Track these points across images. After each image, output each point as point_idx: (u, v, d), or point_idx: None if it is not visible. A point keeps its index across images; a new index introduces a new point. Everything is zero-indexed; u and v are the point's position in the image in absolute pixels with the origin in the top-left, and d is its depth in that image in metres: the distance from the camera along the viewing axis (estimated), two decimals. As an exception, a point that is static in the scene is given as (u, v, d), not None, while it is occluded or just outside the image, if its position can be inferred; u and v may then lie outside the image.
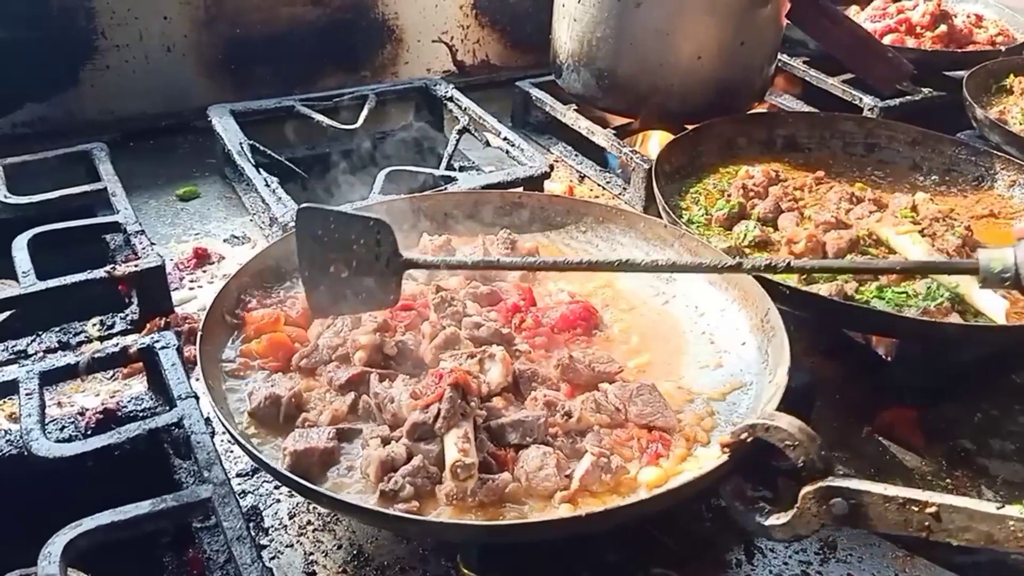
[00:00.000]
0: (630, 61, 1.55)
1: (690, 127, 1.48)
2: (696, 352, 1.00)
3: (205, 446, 0.90)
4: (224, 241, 1.42)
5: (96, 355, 1.02)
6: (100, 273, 1.18)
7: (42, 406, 0.94)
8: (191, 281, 1.32)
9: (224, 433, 0.99)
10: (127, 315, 1.21)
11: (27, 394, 0.95)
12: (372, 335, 0.94)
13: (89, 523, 0.80)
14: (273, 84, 1.76)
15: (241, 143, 1.48)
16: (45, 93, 1.62)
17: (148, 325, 1.18)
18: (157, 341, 1.04)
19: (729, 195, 1.29)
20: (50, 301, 1.15)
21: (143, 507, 0.83)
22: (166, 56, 1.70)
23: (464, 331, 0.98)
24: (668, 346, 1.01)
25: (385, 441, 0.84)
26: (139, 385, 1.10)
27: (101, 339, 1.18)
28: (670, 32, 1.52)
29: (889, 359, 1.10)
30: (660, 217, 1.21)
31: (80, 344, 1.17)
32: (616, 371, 0.94)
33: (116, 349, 1.03)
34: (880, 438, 1.06)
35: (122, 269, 1.18)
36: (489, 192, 1.27)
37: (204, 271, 1.35)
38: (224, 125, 1.53)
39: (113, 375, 1.12)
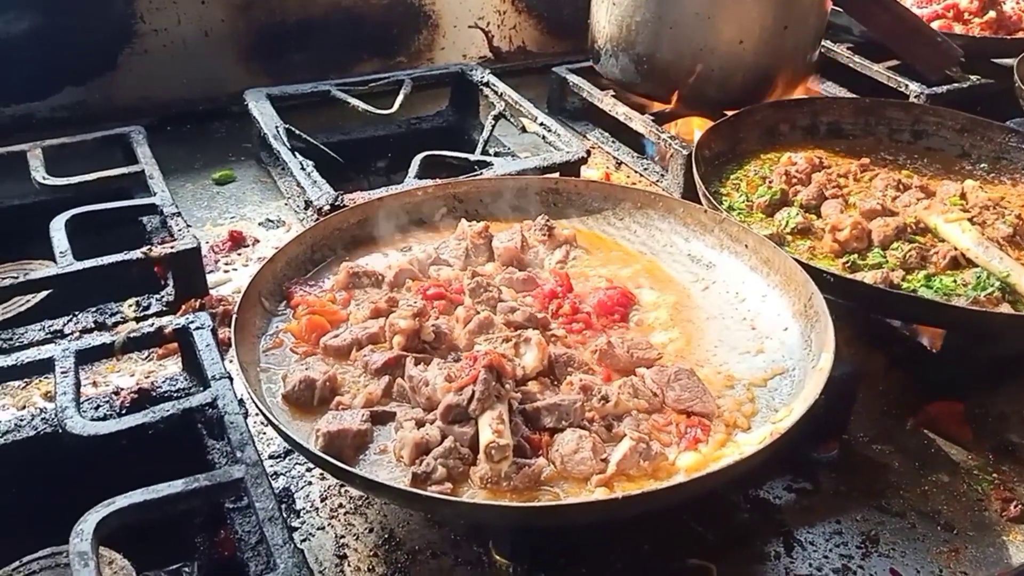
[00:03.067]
0: (670, 46, 1.52)
1: (730, 113, 1.45)
2: (736, 338, 0.98)
3: (238, 427, 0.90)
4: (259, 224, 1.42)
5: (131, 335, 1.03)
6: (136, 254, 1.18)
7: (77, 385, 0.95)
8: (226, 264, 1.32)
9: (257, 414, 0.99)
10: (162, 296, 1.22)
11: (63, 372, 0.95)
12: (411, 320, 0.93)
13: (122, 501, 0.80)
14: (309, 69, 1.76)
15: (277, 127, 1.47)
16: (84, 77, 1.63)
17: (183, 307, 1.18)
18: (192, 322, 1.04)
19: (771, 182, 1.26)
20: (87, 281, 1.16)
21: (176, 486, 0.83)
22: (203, 41, 1.70)
23: (499, 316, 0.97)
24: (708, 332, 0.99)
25: (419, 424, 0.83)
26: (174, 366, 1.10)
27: (137, 320, 1.18)
28: (711, 16, 1.49)
29: (935, 350, 1.07)
30: (699, 203, 1.19)
31: (116, 324, 1.17)
32: (655, 357, 0.92)
33: (151, 329, 1.04)
34: (925, 431, 1.03)
35: (158, 250, 1.18)
36: (526, 178, 1.25)
37: (239, 254, 1.35)
38: (260, 109, 1.52)
39: (148, 355, 1.12)
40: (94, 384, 1.07)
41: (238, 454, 0.86)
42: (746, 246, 1.07)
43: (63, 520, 0.91)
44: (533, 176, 1.28)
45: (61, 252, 1.16)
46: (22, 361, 0.98)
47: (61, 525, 0.90)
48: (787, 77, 1.56)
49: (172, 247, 1.19)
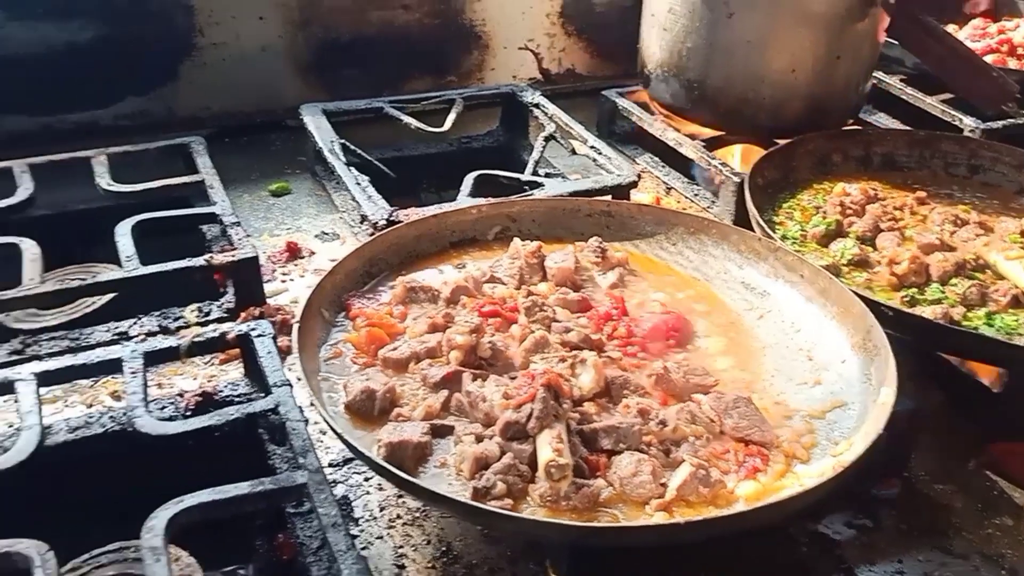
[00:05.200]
0: (721, 72, 1.54)
1: (781, 141, 1.46)
2: (793, 368, 0.98)
3: (300, 433, 0.92)
4: (315, 237, 1.45)
5: (196, 339, 1.05)
6: (199, 261, 1.21)
7: (145, 385, 0.97)
8: (283, 274, 1.35)
9: (317, 422, 1.00)
10: (222, 303, 1.24)
11: (132, 373, 0.98)
12: (468, 336, 0.95)
13: (190, 500, 0.82)
14: (361, 86, 1.79)
15: (332, 142, 1.51)
16: (146, 87, 1.67)
17: (242, 314, 1.20)
18: (253, 329, 1.06)
19: (824, 212, 1.27)
20: (150, 286, 1.19)
21: (242, 488, 0.85)
22: (261, 55, 1.74)
23: (554, 335, 0.99)
24: (763, 361, 1.00)
25: (478, 439, 0.84)
26: (234, 371, 1.13)
27: (198, 325, 1.21)
28: (763, 44, 1.50)
29: (996, 390, 1.06)
30: (752, 231, 1.20)
31: (178, 329, 1.20)
32: (711, 383, 0.93)
33: (215, 335, 1.06)
34: (988, 472, 1.02)
35: (219, 259, 1.21)
36: (579, 199, 1.27)
37: (296, 265, 1.37)
38: (316, 124, 1.56)
39: (209, 360, 1.15)
40: (159, 386, 1.10)
41: (300, 460, 0.88)
42: (802, 276, 1.08)
43: (128, 516, 0.93)
44: (586, 198, 1.29)
45: (127, 256, 1.19)
46: (93, 360, 1.00)
47: (126, 521, 0.93)
48: (839, 107, 1.57)
49: (233, 256, 1.22)
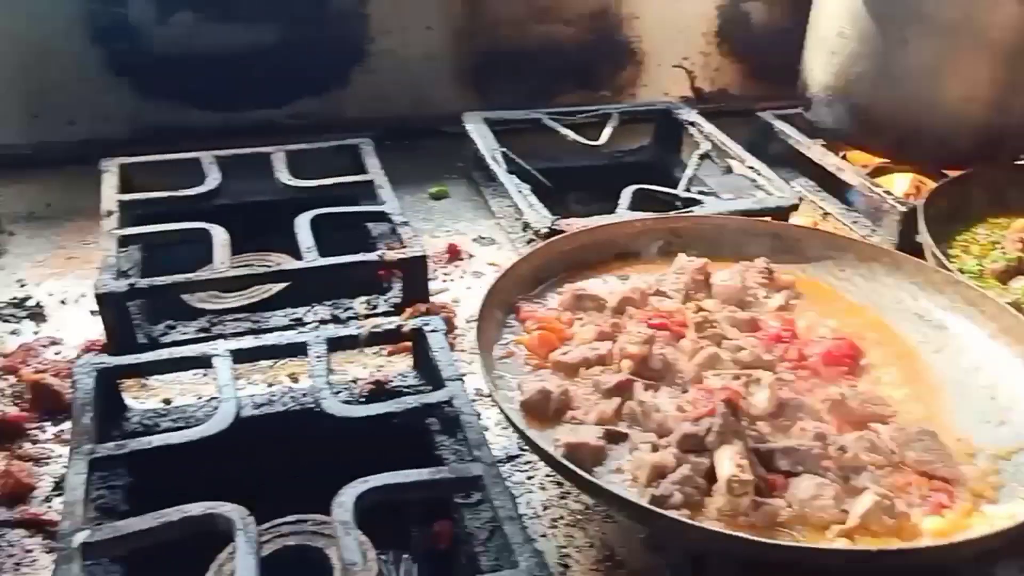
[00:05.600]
0: (891, 99, 1.50)
1: (953, 172, 1.42)
2: (974, 406, 0.95)
3: (474, 427, 0.95)
4: (473, 240, 1.50)
5: (374, 330, 1.10)
6: (373, 257, 1.27)
7: (329, 370, 1.03)
8: (444, 275, 1.40)
9: (488, 418, 1.04)
10: (388, 298, 1.30)
11: (317, 357, 1.04)
12: (641, 346, 0.96)
13: (375, 480, 0.86)
14: (514, 96, 1.84)
15: (494, 150, 1.55)
16: (320, 90, 1.76)
17: (409, 310, 1.25)
18: (426, 324, 1.11)
19: (1003, 248, 1.23)
20: (324, 277, 1.26)
21: (423, 474, 0.89)
22: (424, 63, 1.81)
23: (725, 353, 0.99)
24: (941, 396, 0.97)
25: (654, 448, 0.86)
26: (401, 363, 1.18)
27: (366, 316, 1.27)
28: (938, 72, 1.46)
29: None
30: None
31: (348, 319, 1.26)
32: (889, 414, 0.92)
33: (392, 327, 1.11)
34: None
35: (391, 255, 1.27)
36: (748, 219, 1.27)
37: (456, 266, 1.42)
38: (479, 132, 1.61)
39: (378, 351, 1.20)
40: (330, 371, 1.15)
41: (476, 453, 0.92)
42: (983, 312, 1.04)
43: (303, 491, 0.99)
44: (754, 218, 1.29)
45: (307, 248, 1.26)
46: (281, 343, 1.07)
47: (301, 495, 0.99)
48: (1015, 139, 1.51)
49: (403, 253, 1.27)
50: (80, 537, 0.79)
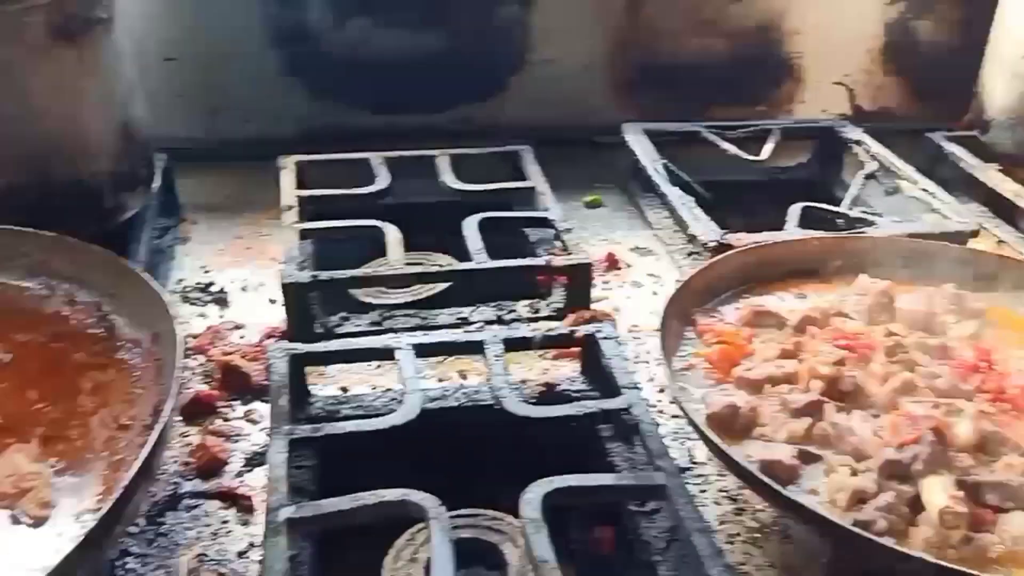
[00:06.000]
0: (1082, 125, 1.43)
1: None
2: None
3: (654, 436, 0.95)
4: (630, 250, 1.50)
5: (548, 333, 1.12)
6: (540, 261, 1.29)
7: (506, 368, 1.05)
8: (603, 283, 1.40)
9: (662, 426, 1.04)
10: (550, 303, 1.31)
11: (495, 356, 1.06)
12: (832, 367, 0.94)
13: (559, 481, 0.87)
14: (668, 108, 1.82)
15: (655, 161, 1.55)
16: (479, 96, 1.80)
17: (572, 315, 1.26)
18: (599, 331, 1.11)
19: None
20: (493, 278, 1.28)
21: (606, 479, 0.89)
22: (583, 73, 1.82)
23: (921, 380, 0.95)
24: None
25: (853, 472, 0.83)
26: (565, 367, 1.19)
27: (529, 320, 1.28)
28: None
29: None
30: None
31: (512, 321, 1.27)
32: (1104, 453, 0.86)
33: (565, 331, 1.12)
34: None
35: (558, 261, 1.28)
36: (933, 242, 1.22)
37: (616, 275, 1.42)
38: (639, 142, 1.61)
39: (543, 354, 1.21)
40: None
41: (658, 462, 0.91)
42: None
43: (475, 486, 1.00)
44: (942, 243, 1.24)
45: (477, 250, 1.29)
46: (459, 340, 1.10)
47: (472, 490, 1.00)
48: None
49: (569, 259, 1.28)
50: (285, 512, 0.82)
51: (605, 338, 1.09)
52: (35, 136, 1.08)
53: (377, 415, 1.04)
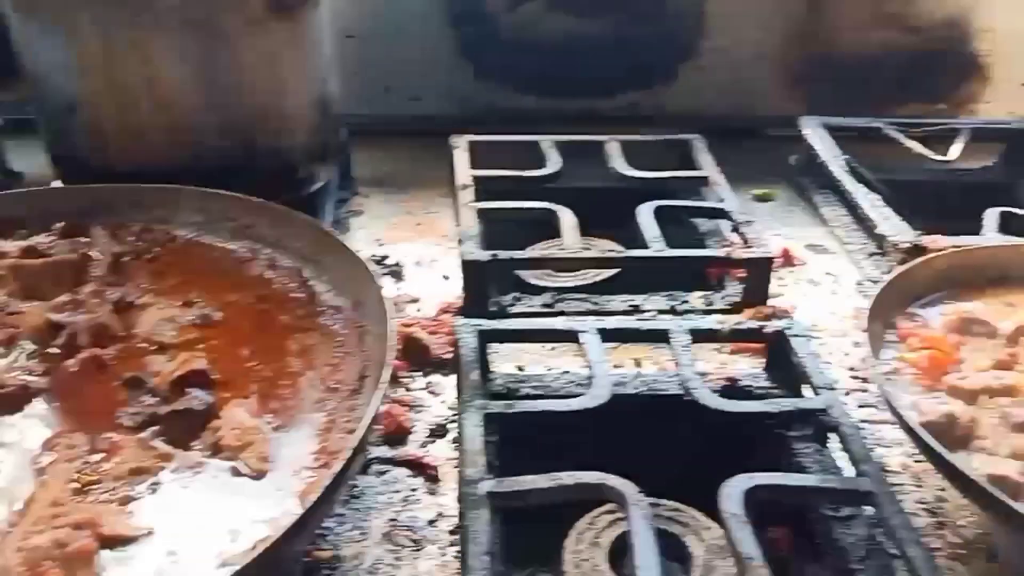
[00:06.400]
0: None
1: None
2: None
3: (856, 439, 0.91)
4: (805, 247, 1.45)
5: (736, 327, 1.09)
6: (719, 253, 1.26)
7: (693, 359, 1.03)
8: (778, 280, 1.35)
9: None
10: (724, 296, 1.28)
11: (683, 347, 1.04)
12: (1062, 379, 0.88)
13: (760, 479, 0.84)
14: (842, 103, 1.74)
15: (836, 157, 1.49)
16: (646, 83, 1.78)
17: (750, 310, 1.22)
18: (789, 327, 1.08)
19: None
20: (670, 267, 1.26)
21: (809, 479, 0.86)
22: (755, 63, 1.77)
23: None
24: None
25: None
26: (741, 362, 1.16)
27: (704, 312, 1.25)
28: None
29: None
30: None
31: (685, 312, 1.25)
32: None
33: (754, 326, 1.09)
34: None
35: (738, 253, 1.25)
36: None
37: (790, 272, 1.38)
38: (818, 137, 1.55)
39: (720, 347, 1.19)
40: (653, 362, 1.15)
41: (862, 467, 0.87)
42: None
43: (650, 476, 0.98)
44: None
45: (654, 237, 1.27)
46: (644, 327, 1.08)
47: (647, 480, 0.98)
48: None
49: (751, 252, 1.25)
50: (486, 486, 0.83)
51: (796, 335, 1.06)
52: (244, 105, 1.13)
53: (557, 396, 1.04)
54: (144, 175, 1.12)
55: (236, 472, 0.80)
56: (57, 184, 1.32)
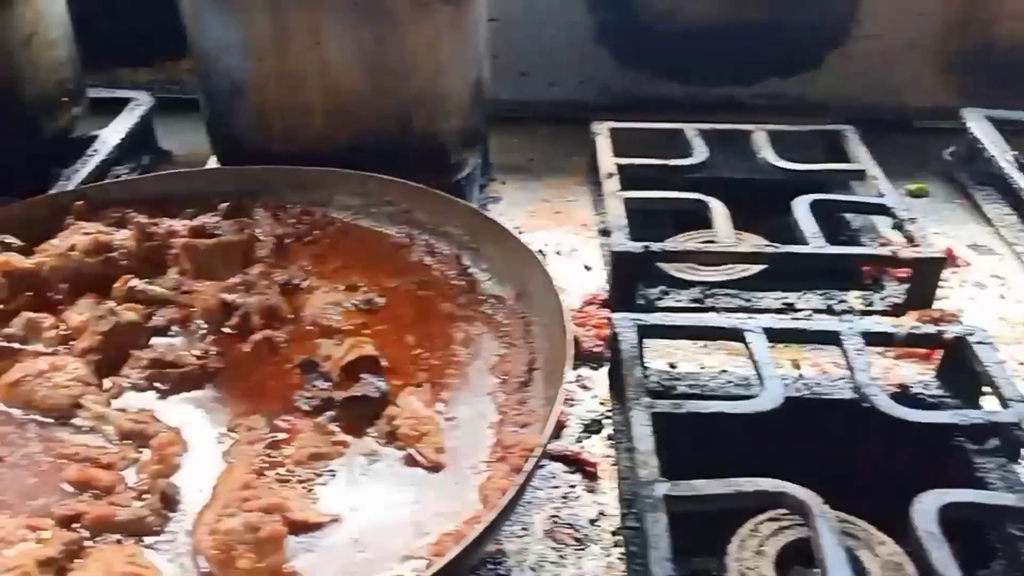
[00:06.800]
0: None
1: None
2: None
3: (1057, 459, 0.85)
4: (967, 247, 1.36)
5: (913, 331, 1.03)
6: (884, 251, 1.19)
7: (868, 363, 0.97)
8: (941, 281, 1.28)
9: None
10: (885, 297, 1.21)
11: (855, 350, 0.98)
12: None
13: (955, 496, 0.79)
14: (1000, 96, 1.64)
15: (1004, 152, 1.40)
16: (788, 71, 1.70)
17: (915, 314, 1.16)
18: (970, 333, 1.01)
19: None
20: (828, 265, 1.21)
21: (1007, 498, 0.81)
22: (908, 52, 1.68)
23: None
24: None
25: None
26: (906, 368, 1.09)
27: (863, 313, 1.19)
28: None
29: None
30: None
31: (843, 312, 1.19)
32: None
33: (932, 331, 1.03)
34: None
35: (905, 252, 1.18)
36: None
37: (954, 272, 1.30)
38: (983, 130, 1.46)
39: (883, 351, 1.12)
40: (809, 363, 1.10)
41: (1064, 489, 0.81)
42: None
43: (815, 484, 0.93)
44: None
45: (812, 233, 1.21)
46: (812, 328, 1.04)
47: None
48: None
49: (919, 253, 1.18)
50: (662, 489, 0.80)
51: (980, 342, 0.99)
52: (406, 89, 1.12)
53: (716, 396, 1.01)
54: (302, 158, 1.13)
55: (411, 462, 0.79)
56: (212, 164, 1.35)
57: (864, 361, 0.96)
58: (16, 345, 0.90)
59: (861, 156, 1.42)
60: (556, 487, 0.94)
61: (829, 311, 1.19)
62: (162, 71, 1.72)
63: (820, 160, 1.49)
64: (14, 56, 1.17)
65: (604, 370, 1.09)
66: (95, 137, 1.38)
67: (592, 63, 1.70)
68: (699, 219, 1.38)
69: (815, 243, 1.19)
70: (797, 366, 1.12)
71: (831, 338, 1.01)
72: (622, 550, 0.86)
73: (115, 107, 1.53)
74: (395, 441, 0.80)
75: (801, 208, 1.26)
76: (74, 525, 0.71)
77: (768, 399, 0.91)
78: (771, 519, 0.94)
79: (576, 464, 0.97)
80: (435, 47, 1.10)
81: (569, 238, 1.39)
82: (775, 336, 1.02)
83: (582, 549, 0.87)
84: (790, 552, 0.89)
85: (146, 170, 1.47)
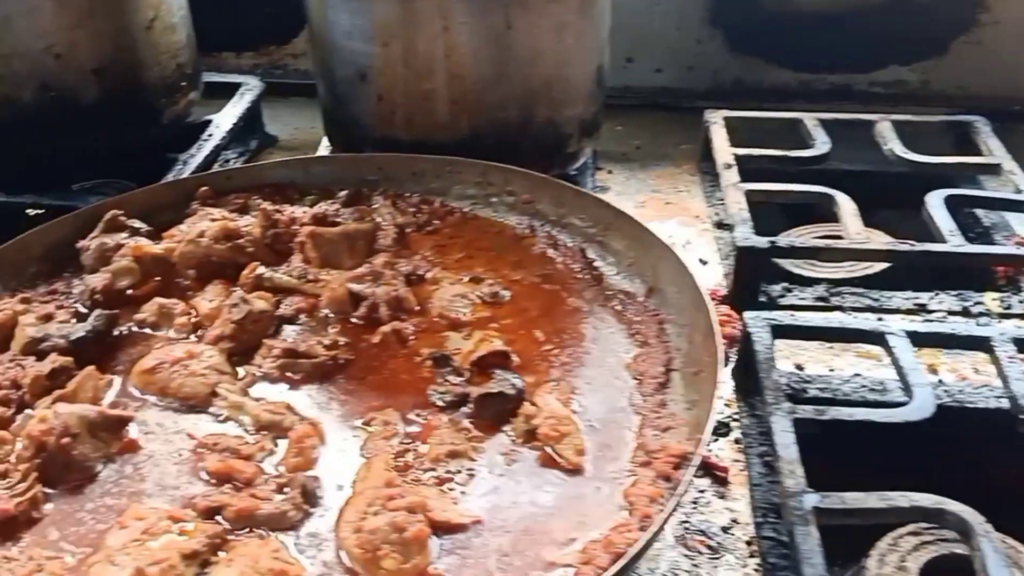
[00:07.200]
0: None
1: None
2: None
3: None
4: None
5: (1074, 338, 0.96)
6: (1012, 249, 1.12)
7: (1022, 372, 0.91)
8: (1045, 283, 1.20)
9: None
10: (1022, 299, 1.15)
11: (1007, 357, 0.92)
12: None
13: None
14: None
15: None
16: (911, 58, 1.62)
17: (1063, 319, 1.09)
18: None
19: None
20: (966, 264, 1.14)
21: None
22: (1040, 39, 1.58)
23: None
24: None
25: None
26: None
27: (1000, 316, 1.12)
28: None
29: None
30: None
31: (980, 315, 1.13)
32: None
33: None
34: None
35: (1047, 252, 1.11)
36: None
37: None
38: None
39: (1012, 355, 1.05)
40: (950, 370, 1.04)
41: None
42: None
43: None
44: None
45: (949, 231, 1.14)
46: (960, 332, 0.98)
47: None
48: None
49: (1066, 253, 1.11)
50: (811, 501, 0.76)
51: None
52: (531, 76, 1.09)
53: (852, 403, 0.96)
54: (420, 146, 1.11)
55: (549, 462, 0.77)
56: (323, 150, 1.34)
57: (1018, 370, 0.90)
58: (148, 331, 0.91)
59: (995, 149, 1.34)
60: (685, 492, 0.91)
61: (965, 313, 1.13)
62: (265, 56, 1.72)
63: (945, 153, 1.41)
64: (138, 41, 1.18)
65: (728, 370, 1.05)
66: (208, 122, 1.39)
67: (701, 49, 1.64)
68: (813, 212, 1.33)
69: (953, 241, 1.13)
70: (935, 371, 1.06)
71: (981, 344, 0.95)
72: (758, 561, 0.83)
73: (222, 92, 1.54)
74: (532, 440, 0.78)
75: (935, 204, 1.19)
76: (216, 517, 0.71)
77: (919, 408, 0.86)
78: (912, 533, 0.89)
79: (704, 467, 0.93)
80: (562, 33, 1.07)
81: (682, 230, 1.35)
82: (919, 340, 0.96)
83: (716, 558, 0.84)
84: (933, 569, 0.85)
85: (253, 155, 1.48)
